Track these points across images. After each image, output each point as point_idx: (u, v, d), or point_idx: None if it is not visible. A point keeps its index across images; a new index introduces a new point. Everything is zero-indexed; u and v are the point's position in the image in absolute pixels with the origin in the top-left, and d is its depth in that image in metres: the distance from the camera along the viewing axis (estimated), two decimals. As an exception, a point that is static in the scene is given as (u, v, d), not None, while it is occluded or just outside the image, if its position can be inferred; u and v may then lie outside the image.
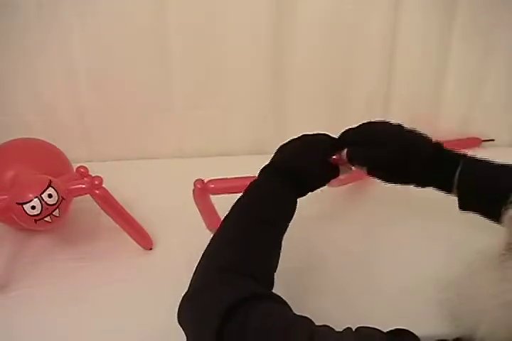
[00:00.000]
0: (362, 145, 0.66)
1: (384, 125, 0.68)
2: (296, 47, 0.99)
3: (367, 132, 0.67)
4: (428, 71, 1.05)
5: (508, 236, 0.46)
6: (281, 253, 0.60)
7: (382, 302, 0.70)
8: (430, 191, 0.69)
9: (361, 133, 0.67)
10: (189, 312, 0.52)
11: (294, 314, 0.49)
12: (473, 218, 0.65)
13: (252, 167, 1.04)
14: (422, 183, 0.67)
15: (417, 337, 0.46)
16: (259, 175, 0.65)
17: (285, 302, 0.51)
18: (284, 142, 0.69)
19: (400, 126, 0.67)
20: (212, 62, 0.99)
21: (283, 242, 0.61)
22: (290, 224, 0.63)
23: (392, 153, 0.64)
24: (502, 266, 0.45)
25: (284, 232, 0.61)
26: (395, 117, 1.09)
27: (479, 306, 0.46)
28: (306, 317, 0.48)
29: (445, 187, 0.65)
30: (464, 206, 0.64)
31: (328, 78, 1.04)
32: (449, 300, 0.64)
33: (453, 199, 0.66)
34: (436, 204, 0.76)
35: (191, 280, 0.55)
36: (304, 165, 0.64)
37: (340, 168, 0.67)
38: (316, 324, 0.47)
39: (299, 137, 0.68)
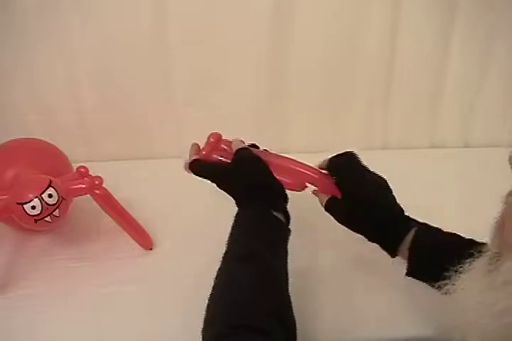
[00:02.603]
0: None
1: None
2: (296, 47, 0.99)
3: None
4: (428, 71, 1.05)
5: (494, 247, 0.46)
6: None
7: (375, 311, 0.70)
8: (428, 199, 0.68)
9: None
10: None
11: None
12: (466, 229, 0.65)
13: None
14: (369, 237, 0.66)
15: None
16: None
17: None
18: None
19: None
20: (213, 62, 0.99)
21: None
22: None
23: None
24: (489, 275, 0.45)
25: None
26: (395, 117, 1.11)
27: (469, 317, 0.45)
28: None
29: (390, 248, 0.64)
30: (412, 272, 0.62)
31: (328, 78, 1.04)
32: (441, 312, 0.64)
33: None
34: (429, 212, 0.76)
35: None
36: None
37: None
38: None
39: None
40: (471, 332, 0.44)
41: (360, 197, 0.64)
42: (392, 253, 0.64)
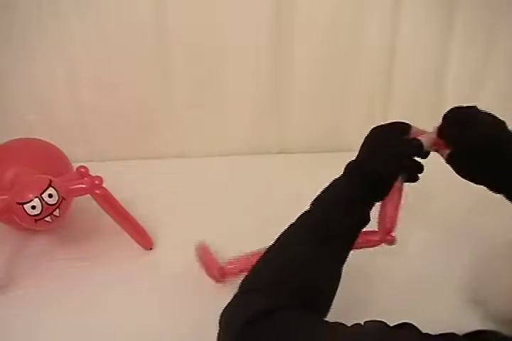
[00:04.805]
0: (459, 125, 0.64)
1: (486, 114, 0.67)
2: (296, 47, 0.99)
3: (470, 113, 0.66)
4: (428, 71, 1.05)
5: None
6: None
7: (407, 290, 0.71)
8: (429, 199, 0.68)
9: (465, 113, 0.66)
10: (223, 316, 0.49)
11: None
12: (467, 228, 0.64)
13: (252, 167, 1.05)
14: (497, 185, 0.63)
15: (418, 330, 0.44)
16: (344, 173, 0.61)
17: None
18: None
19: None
20: (213, 62, 0.99)
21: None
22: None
23: (482, 137, 0.62)
24: None
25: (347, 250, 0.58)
26: (395, 118, 1.11)
27: (503, 286, 0.45)
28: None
29: None
30: None
31: (329, 78, 1.04)
32: (473, 285, 0.63)
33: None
34: (430, 212, 0.76)
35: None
36: (385, 172, 0.61)
37: None
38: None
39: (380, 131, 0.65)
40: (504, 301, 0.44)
41: (477, 149, 0.62)
42: None
